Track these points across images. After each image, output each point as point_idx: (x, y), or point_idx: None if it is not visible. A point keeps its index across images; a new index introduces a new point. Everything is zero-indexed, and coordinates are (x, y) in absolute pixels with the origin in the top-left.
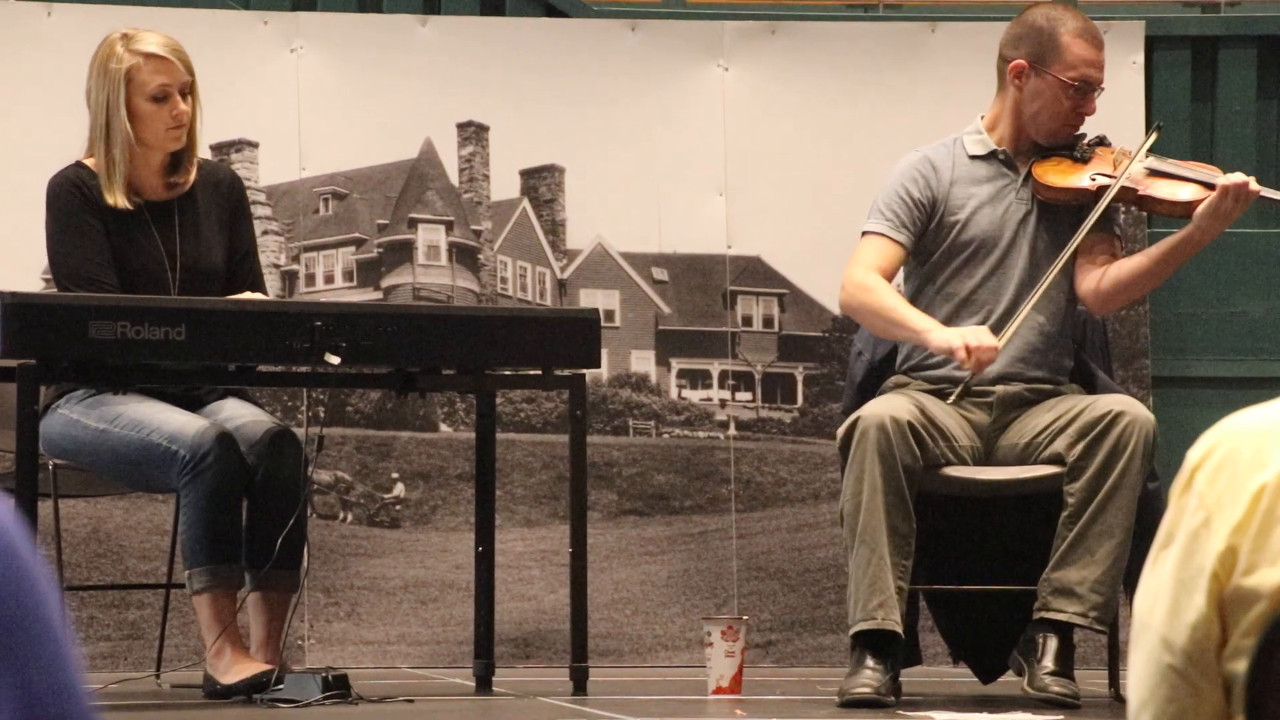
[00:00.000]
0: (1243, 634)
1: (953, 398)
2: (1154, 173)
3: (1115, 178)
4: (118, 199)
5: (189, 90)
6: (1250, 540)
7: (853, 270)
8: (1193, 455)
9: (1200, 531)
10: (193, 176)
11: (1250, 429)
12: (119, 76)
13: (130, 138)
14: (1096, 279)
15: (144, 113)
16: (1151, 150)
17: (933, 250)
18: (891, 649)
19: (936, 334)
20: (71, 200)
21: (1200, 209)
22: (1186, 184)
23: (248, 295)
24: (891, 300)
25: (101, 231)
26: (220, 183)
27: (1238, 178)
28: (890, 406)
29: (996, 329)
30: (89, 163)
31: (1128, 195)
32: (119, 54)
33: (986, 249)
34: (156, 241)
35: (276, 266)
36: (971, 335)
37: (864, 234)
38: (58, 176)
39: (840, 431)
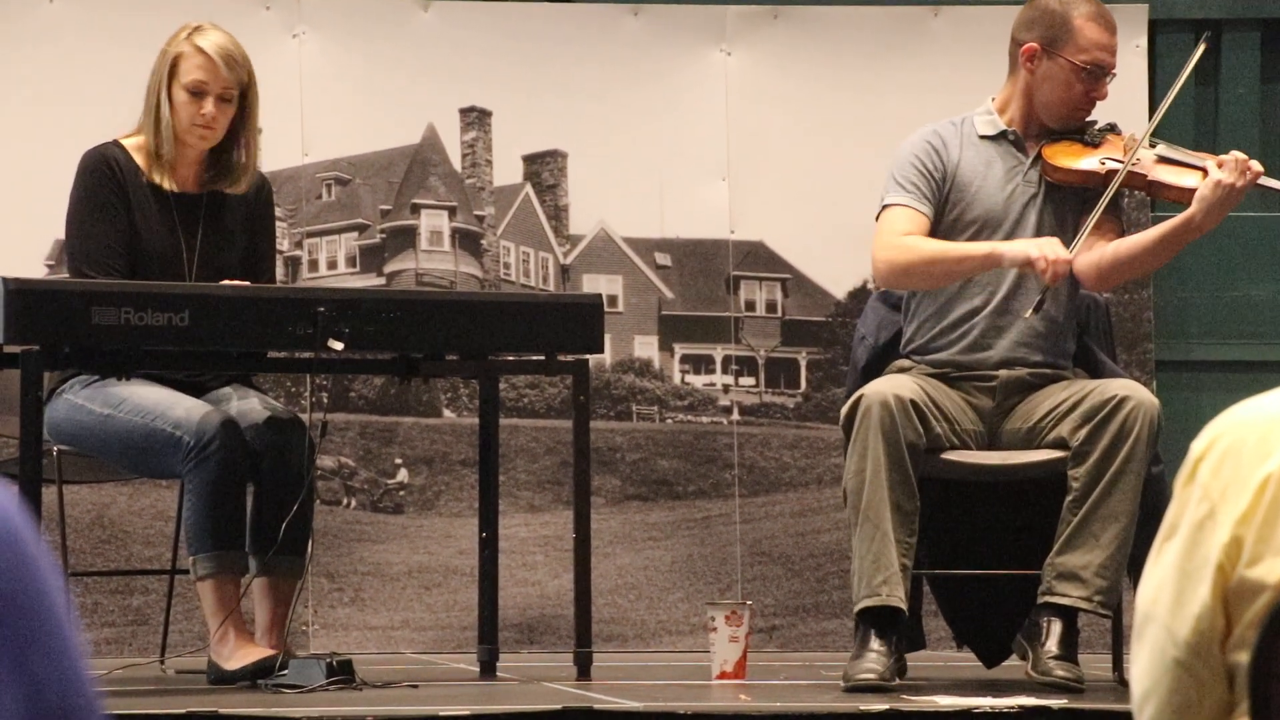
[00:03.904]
0: (1247, 625)
1: (1030, 312)
2: (1163, 159)
3: (1125, 162)
4: (163, 179)
5: (232, 98)
6: (1255, 531)
7: (885, 240)
8: (1196, 446)
9: (1205, 523)
10: (244, 186)
11: (1253, 419)
12: (168, 60)
13: (168, 122)
14: (1097, 256)
15: (178, 102)
16: (1161, 131)
17: (937, 227)
18: (895, 626)
19: (1008, 249)
20: (98, 178)
21: (1199, 191)
22: (1194, 171)
23: None
24: (939, 244)
25: (122, 213)
26: (250, 185)
27: (1230, 158)
28: (894, 385)
29: (999, 311)
30: (128, 142)
31: (1136, 180)
32: (179, 39)
33: (991, 228)
34: (178, 232)
35: (280, 252)
36: (1048, 246)
37: (885, 207)
38: (91, 151)
39: (844, 410)
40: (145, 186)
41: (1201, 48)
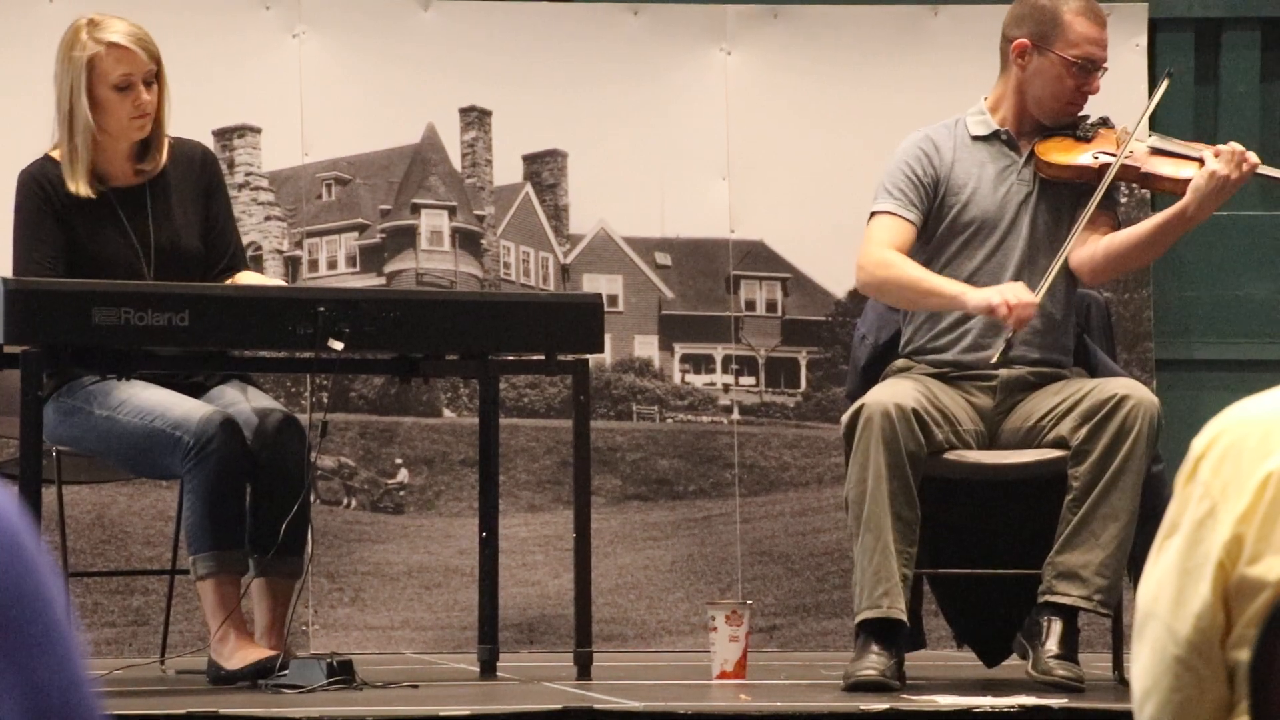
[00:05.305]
0: (1247, 623)
1: (996, 357)
2: (1157, 151)
3: (1118, 156)
4: (80, 187)
5: (154, 78)
6: (1256, 529)
7: (869, 250)
8: (1197, 444)
9: (1205, 521)
10: (163, 161)
11: (1255, 417)
12: (81, 64)
13: (91, 126)
14: (1092, 249)
15: (107, 102)
16: (1156, 117)
17: (934, 231)
18: (896, 636)
19: (973, 295)
20: (32, 197)
21: (1193, 182)
22: (1189, 162)
23: (246, 276)
24: (917, 271)
25: (53, 228)
26: (193, 160)
27: (1226, 149)
28: (894, 393)
29: None
30: (56, 154)
31: (1131, 173)
32: (83, 41)
33: (987, 230)
34: (127, 229)
35: (279, 252)
36: (1010, 292)
37: (873, 214)
38: (24, 171)
39: (845, 419)
40: (81, 195)
41: (1166, 82)
